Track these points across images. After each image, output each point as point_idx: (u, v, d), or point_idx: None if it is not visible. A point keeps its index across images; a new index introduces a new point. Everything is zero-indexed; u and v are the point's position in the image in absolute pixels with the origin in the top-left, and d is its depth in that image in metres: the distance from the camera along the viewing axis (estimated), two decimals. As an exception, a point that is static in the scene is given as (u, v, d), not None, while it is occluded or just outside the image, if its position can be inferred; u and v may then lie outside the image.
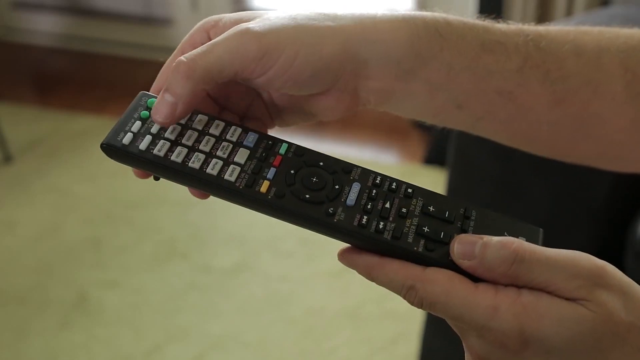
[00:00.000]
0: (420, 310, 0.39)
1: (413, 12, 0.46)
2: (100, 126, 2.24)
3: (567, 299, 0.36)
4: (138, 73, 2.52)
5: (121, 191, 1.95)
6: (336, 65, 0.43)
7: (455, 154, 1.11)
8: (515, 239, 0.37)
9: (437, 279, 0.38)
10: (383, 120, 2.29)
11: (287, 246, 1.74)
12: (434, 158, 2.05)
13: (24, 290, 1.67)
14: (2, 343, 1.55)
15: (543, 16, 1.92)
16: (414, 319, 1.46)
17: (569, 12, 1.88)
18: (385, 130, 2.25)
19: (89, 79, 2.52)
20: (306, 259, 1.70)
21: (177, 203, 1.90)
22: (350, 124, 2.28)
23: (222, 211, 1.88)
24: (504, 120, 0.49)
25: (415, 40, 0.44)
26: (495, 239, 0.37)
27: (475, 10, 2.07)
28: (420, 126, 2.22)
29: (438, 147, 2.02)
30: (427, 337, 1.18)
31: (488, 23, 0.50)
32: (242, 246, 1.77)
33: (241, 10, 2.50)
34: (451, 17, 0.48)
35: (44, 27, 2.71)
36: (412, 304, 0.38)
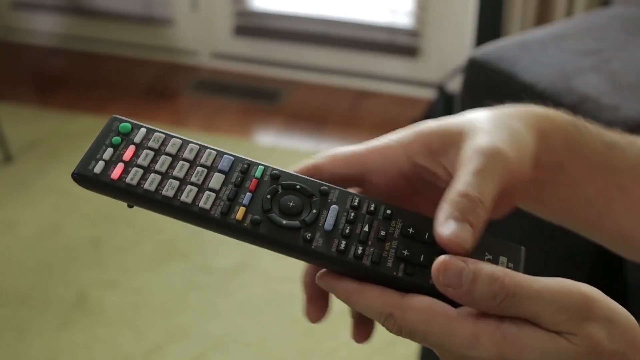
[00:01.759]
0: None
1: (550, 109, 0.47)
2: (100, 126, 2.22)
3: (552, 331, 0.35)
4: (138, 73, 2.52)
5: (121, 191, 1.95)
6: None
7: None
8: (505, 270, 0.36)
9: (416, 307, 0.36)
10: (383, 120, 2.30)
11: (287, 246, 1.74)
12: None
13: (24, 290, 1.67)
14: (2, 343, 1.55)
15: (543, 16, 1.92)
16: (414, 319, 1.45)
17: (569, 12, 1.88)
18: (385, 130, 2.22)
19: (89, 79, 2.52)
20: (306, 259, 1.70)
21: (177, 203, 1.90)
22: (351, 124, 2.28)
23: (222, 211, 1.88)
24: (621, 214, 0.49)
25: (567, 134, 0.45)
26: (485, 270, 0.35)
27: (475, 10, 2.07)
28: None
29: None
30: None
31: (590, 122, 0.50)
32: (242, 246, 1.76)
33: (241, 10, 2.48)
34: (570, 115, 0.49)
35: (44, 27, 2.71)
36: (390, 331, 0.37)
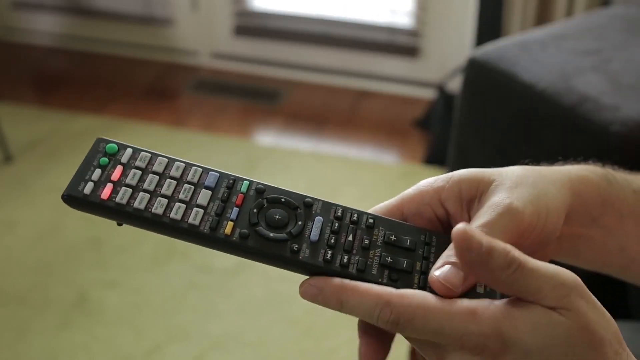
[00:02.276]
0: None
1: (582, 165, 0.50)
2: (100, 126, 2.24)
3: (548, 306, 0.37)
4: (138, 73, 2.53)
5: (121, 191, 1.95)
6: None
7: (455, 154, 1.11)
8: (513, 247, 0.37)
9: (412, 294, 0.38)
10: (383, 120, 2.30)
11: (287, 246, 1.74)
12: (434, 158, 2.05)
13: (24, 290, 1.67)
14: (2, 343, 1.55)
15: (543, 16, 1.92)
16: (414, 319, 1.45)
17: (569, 12, 1.88)
18: (385, 130, 2.25)
19: (89, 79, 2.52)
20: (306, 259, 1.70)
21: (177, 203, 1.90)
22: (351, 124, 2.28)
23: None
24: None
25: (599, 190, 0.48)
26: (498, 242, 0.37)
27: (475, 10, 2.07)
28: (420, 126, 2.22)
29: (438, 147, 2.02)
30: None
31: (618, 172, 0.53)
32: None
33: (241, 10, 2.48)
34: (601, 168, 0.51)
35: (44, 27, 2.71)
36: (386, 323, 0.38)
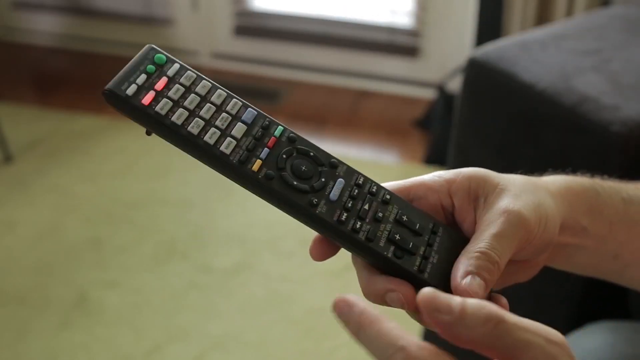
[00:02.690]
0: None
1: (570, 177, 0.51)
2: (100, 126, 2.24)
3: None
4: (138, 73, 2.52)
5: (121, 191, 1.95)
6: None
7: (455, 154, 1.11)
8: (490, 303, 0.36)
9: (429, 350, 0.36)
10: (383, 120, 2.30)
11: (287, 246, 1.74)
12: (434, 158, 2.05)
13: (24, 290, 1.67)
14: (2, 343, 1.55)
15: (543, 16, 1.92)
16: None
17: (569, 12, 1.88)
18: (385, 130, 2.25)
19: (89, 79, 2.52)
20: (306, 259, 1.70)
21: (177, 203, 1.90)
22: (351, 124, 2.28)
23: (222, 211, 1.88)
24: None
25: (588, 200, 0.50)
26: (471, 300, 0.35)
27: (475, 10, 2.07)
28: (420, 126, 2.22)
29: (438, 147, 2.02)
30: (428, 337, 1.18)
31: (607, 180, 0.54)
32: (242, 246, 1.77)
33: (241, 10, 2.48)
34: (589, 178, 0.53)
35: (44, 27, 2.71)
36: None
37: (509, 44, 1.06)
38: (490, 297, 0.43)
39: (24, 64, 2.66)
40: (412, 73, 2.39)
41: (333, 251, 0.43)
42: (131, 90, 0.41)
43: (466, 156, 1.08)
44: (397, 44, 2.37)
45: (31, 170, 2.06)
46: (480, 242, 0.42)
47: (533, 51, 1.02)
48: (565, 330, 0.83)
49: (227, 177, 0.41)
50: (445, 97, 2.06)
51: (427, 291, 0.35)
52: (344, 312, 0.38)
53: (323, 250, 0.43)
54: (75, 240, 1.80)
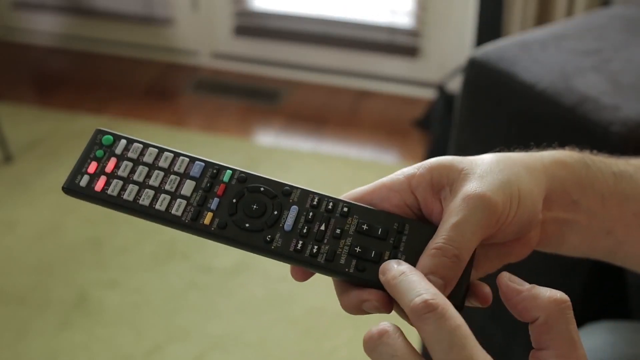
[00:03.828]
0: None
1: (559, 150, 0.49)
2: (100, 126, 2.23)
3: None
4: (138, 73, 2.52)
5: (121, 191, 1.95)
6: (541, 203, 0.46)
7: (455, 154, 1.11)
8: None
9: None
10: (383, 120, 2.30)
11: (287, 246, 1.74)
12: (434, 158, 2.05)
13: (24, 290, 1.67)
14: (2, 343, 1.55)
15: (543, 16, 1.92)
16: (414, 319, 1.45)
17: (569, 12, 1.88)
18: (385, 130, 2.25)
19: (89, 79, 2.52)
20: (306, 259, 1.70)
21: (177, 203, 1.90)
22: (350, 124, 2.28)
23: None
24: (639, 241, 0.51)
25: (577, 172, 0.48)
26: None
27: (475, 10, 2.07)
28: (420, 126, 2.22)
29: (438, 147, 2.02)
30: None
31: (598, 155, 0.53)
32: (242, 246, 1.77)
33: (241, 10, 2.48)
34: (578, 152, 0.51)
35: (44, 27, 2.71)
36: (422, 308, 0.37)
37: (509, 44, 1.06)
38: (472, 285, 0.42)
39: (24, 64, 2.66)
40: (412, 73, 2.39)
41: (311, 272, 0.43)
42: (84, 181, 0.43)
43: (466, 156, 1.08)
44: (397, 44, 2.37)
45: (31, 170, 2.06)
46: (437, 237, 0.41)
47: (533, 51, 1.02)
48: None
49: (188, 233, 0.43)
50: (445, 97, 2.06)
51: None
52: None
53: (301, 273, 0.43)
54: (75, 240, 1.81)
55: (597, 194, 0.49)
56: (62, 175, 1.83)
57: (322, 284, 1.86)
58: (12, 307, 1.63)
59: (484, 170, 0.44)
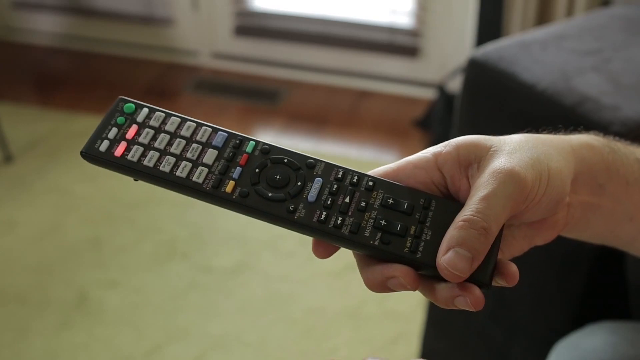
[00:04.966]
0: (420, 310, 0.39)
1: (586, 134, 0.49)
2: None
3: None
4: (138, 73, 2.52)
5: (121, 191, 1.95)
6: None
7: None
8: None
9: None
10: (383, 120, 2.30)
11: (287, 246, 1.74)
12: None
13: (24, 290, 1.67)
14: (2, 343, 1.55)
15: (543, 16, 1.92)
16: (414, 319, 1.46)
17: (569, 12, 1.88)
18: (386, 130, 2.25)
19: (89, 79, 2.52)
20: (306, 259, 1.70)
21: (177, 203, 1.90)
22: (351, 124, 2.28)
23: (222, 211, 1.87)
24: None
25: (604, 156, 0.47)
26: None
27: (475, 10, 2.07)
28: (421, 126, 2.22)
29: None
30: (428, 337, 1.18)
31: (621, 141, 0.52)
32: (242, 246, 1.77)
33: (241, 10, 2.48)
34: (603, 137, 0.50)
35: (44, 27, 2.71)
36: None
37: (509, 44, 1.06)
38: (499, 264, 0.42)
39: (24, 63, 2.66)
40: (412, 73, 2.39)
41: (334, 248, 0.43)
42: (104, 146, 0.43)
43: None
44: (397, 44, 2.37)
45: (31, 170, 2.06)
46: (465, 210, 0.40)
47: (533, 51, 1.02)
48: (566, 330, 0.83)
49: (208, 203, 0.43)
50: (445, 97, 2.06)
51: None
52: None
53: (323, 248, 0.43)
54: (75, 240, 1.81)
55: (622, 179, 0.48)
56: (62, 175, 1.83)
57: (322, 284, 1.86)
58: (12, 307, 1.63)
59: (513, 147, 0.43)
